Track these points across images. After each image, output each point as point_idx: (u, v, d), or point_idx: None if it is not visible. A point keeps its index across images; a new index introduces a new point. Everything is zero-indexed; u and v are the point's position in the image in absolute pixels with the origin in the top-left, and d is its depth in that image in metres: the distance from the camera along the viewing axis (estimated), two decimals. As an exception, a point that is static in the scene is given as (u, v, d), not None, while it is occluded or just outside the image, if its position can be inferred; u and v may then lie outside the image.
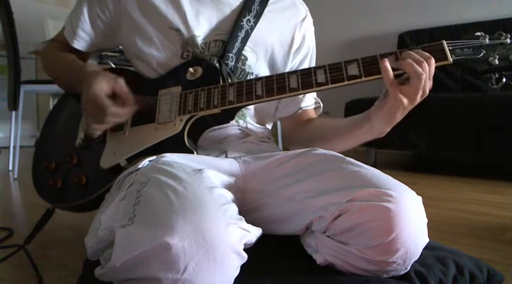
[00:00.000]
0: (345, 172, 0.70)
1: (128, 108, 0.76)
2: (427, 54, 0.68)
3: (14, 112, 2.35)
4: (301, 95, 0.93)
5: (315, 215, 0.67)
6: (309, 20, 0.98)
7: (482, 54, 0.69)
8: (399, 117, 0.73)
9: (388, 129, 0.77)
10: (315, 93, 0.97)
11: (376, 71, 0.69)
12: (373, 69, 0.69)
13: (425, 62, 0.67)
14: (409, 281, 0.66)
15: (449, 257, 0.75)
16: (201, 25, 0.84)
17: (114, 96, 0.76)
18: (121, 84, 0.76)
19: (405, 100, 0.69)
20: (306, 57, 0.97)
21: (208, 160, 0.75)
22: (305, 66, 0.97)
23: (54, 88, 2.44)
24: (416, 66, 0.66)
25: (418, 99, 0.70)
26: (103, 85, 0.74)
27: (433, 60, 0.67)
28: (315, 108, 1.00)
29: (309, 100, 0.98)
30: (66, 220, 1.32)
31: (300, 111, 0.96)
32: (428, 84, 0.68)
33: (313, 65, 0.99)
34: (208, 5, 0.86)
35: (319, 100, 1.00)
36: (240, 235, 0.54)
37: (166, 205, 0.53)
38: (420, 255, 0.64)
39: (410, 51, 0.69)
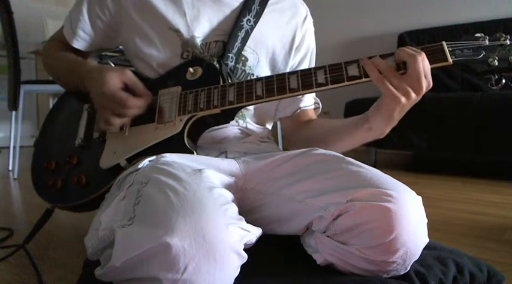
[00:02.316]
0: (345, 172, 0.70)
1: (144, 98, 0.76)
2: (420, 51, 0.67)
3: (14, 112, 2.35)
4: (301, 95, 0.93)
5: (315, 215, 0.67)
6: (310, 20, 0.98)
7: (482, 55, 0.69)
8: (397, 116, 0.72)
9: (388, 130, 0.76)
10: (314, 93, 0.97)
11: (376, 71, 0.69)
12: (374, 69, 0.69)
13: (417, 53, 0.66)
14: (409, 281, 0.66)
15: (449, 257, 0.75)
16: (202, 26, 0.84)
17: (126, 89, 0.76)
18: (131, 75, 0.76)
19: (403, 99, 0.67)
20: (305, 56, 0.97)
21: (208, 160, 0.75)
22: (305, 65, 0.97)
23: (54, 88, 2.46)
24: (409, 50, 0.66)
25: (413, 96, 0.68)
26: (115, 80, 0.74)
27: (423, 55, 0.66)
28: (314, 109, 1.00)
29: (308, 101, 0.98)
30: (66, 220, 1.32)
31: (299, 111, 0.96)
32: (424, 82, 0.67)
33: (313, 65, 0.99)
34: (210, 6, 0.86)
35: (318, 100, 1.00)
36: (240, 235, 0.54)
37: (166, 205, 0.53)
38: (420, 255, 0.64)
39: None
